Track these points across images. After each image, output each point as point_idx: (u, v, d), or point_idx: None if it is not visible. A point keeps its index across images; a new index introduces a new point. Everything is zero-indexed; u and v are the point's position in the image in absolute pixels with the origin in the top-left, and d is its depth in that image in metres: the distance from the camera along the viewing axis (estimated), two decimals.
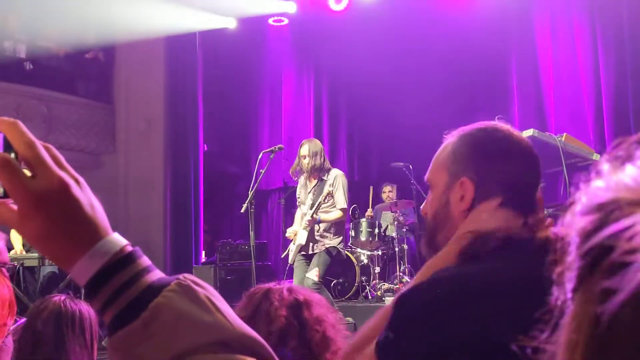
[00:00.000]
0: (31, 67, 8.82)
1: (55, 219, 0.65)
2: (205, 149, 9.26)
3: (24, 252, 5.92)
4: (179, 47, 8.81)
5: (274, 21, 9.04)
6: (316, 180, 5.51)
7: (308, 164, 5.42)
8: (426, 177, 1.40)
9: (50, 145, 0.68)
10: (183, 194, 8.69)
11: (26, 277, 5.82)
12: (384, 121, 8.57)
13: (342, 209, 5.43)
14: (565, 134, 4.25)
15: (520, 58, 7.53)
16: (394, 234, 7.08)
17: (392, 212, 7.24)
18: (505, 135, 1.30)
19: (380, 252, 6.97)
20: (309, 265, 5.41)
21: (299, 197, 5.73)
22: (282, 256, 5.93)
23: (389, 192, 7.83)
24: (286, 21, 9.02)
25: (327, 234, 5.48)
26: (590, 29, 6.69)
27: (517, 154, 1.30)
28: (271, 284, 1.71)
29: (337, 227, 5.55)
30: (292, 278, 5.53)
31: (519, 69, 7.55)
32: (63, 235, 0.65)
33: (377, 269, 6.90)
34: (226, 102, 9.56)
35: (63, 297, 2.05)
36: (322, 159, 5.46)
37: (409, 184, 6.86)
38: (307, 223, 5.34)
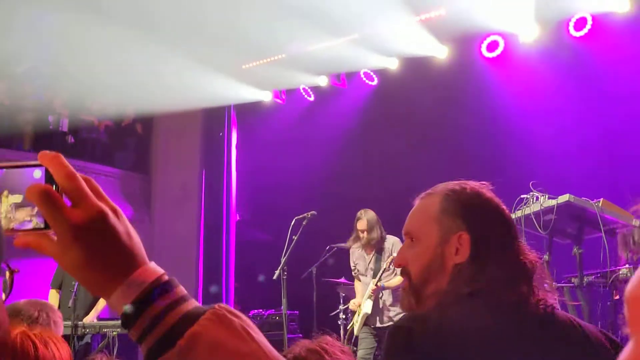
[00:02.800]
0: (72, 140, 9.17)
1: (94, 248, 0.66)
2: (238, 218, 9.33)
3: None
4: (214, 118, 9.07)
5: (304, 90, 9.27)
6: (374, 251, 5.52)
7: (366, 238, 5.46)
8: (407, 229, 1.48)
9: (90, 178, 0.70)
10: (215, 263, 8.71)
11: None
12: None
13: None
14: (602, 199, 4.17)
15: None
16: None
17: None
18: (491, 198, 1.44)
19: None
20: (374, 337, 5.43)
21: (355, 268, 5.73)
22: (349, 328, 5.90)
23: None
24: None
25: (392, 308, 5.49)
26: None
27: (504, 216, 1.44)
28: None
29: (397, 294, 5.53)
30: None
31: None
32: (101, 265, 0.67)
33: None
34: (259, 171, 9.69)
35: (104, 358, 2.02)
36: (380, 231, 5.48)
37: None
38: (372, 292, 5.36)
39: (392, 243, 5.51)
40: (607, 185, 5.78)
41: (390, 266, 5.37)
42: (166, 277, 0.69)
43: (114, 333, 5.30)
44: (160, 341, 0.65)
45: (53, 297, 5.92)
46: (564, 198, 4.15)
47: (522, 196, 4.47)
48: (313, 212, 5.70)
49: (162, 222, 9.21)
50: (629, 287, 1.02)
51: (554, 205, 4.16)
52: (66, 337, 5.83)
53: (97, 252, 0.66)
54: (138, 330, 0.66)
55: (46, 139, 8.65)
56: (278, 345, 6.29)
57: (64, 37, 7.47)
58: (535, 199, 4.35)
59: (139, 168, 9.50)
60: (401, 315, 5.33)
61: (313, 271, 7.59)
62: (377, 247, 5.54)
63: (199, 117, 9.13)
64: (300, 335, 7.75)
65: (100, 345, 5.46)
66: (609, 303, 4.22)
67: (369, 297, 5.42)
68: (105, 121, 9.31)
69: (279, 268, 5.33)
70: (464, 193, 1.43)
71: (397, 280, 5.42)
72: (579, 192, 4.17)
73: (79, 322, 5.54)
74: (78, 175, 0.68)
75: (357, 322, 5.56)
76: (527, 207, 4.36)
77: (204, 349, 0.64)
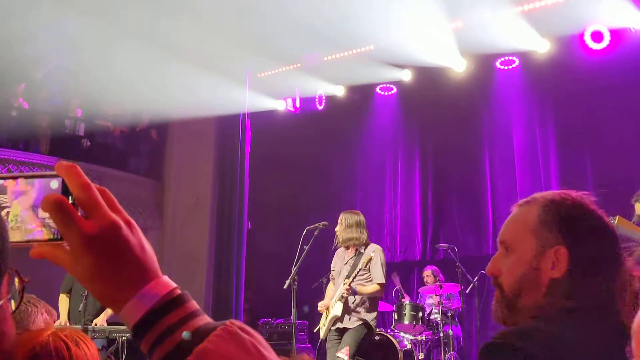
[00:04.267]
0: (88, 144, 9.25)
1: (106, 259, 0.66)
2: (249, 226, 9.34)
3: (68, 323, 5.94)
4: (228, 126, 9.11)
5: (318, 101, 9.29)
6: (354, 253, 5.42)
7: (340, 235, 5.39)
8: (502, 238, 1.40)
9: (105, 189, 0.70)
10: (226, 271, 8.71)
11: None
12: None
13: (380, 284, 5.26)
14: (618, 216, 4.10)
15: None
16: (438, 319, 6.82)
17: (436, 295, 7.02)
18: (593, 210, 1.35)
19: (424, 337, 6.72)
20: (340, 341, 5.21)
21: (333, 270, 5.60)
22: (315, 330, 5.76)
23: (426, 277, 7.64)
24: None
25: (360, 309, 5.29)
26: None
27: (607, 229, 1.35)
28: None
29: (372, 302, 5.35)
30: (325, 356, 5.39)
31: None
32: (113, 276, 0.66)
33: (421, 355, 6.63)
34: (272, 180, 9.71)
35: None
36: (360, 232, 5.40)
37: (454, 266, 6.70)
38: (345, 292, 5.18)
39: (374, 250, 5.36)
40: (622, 203, 5.72)
41: (364, 271, 5.22)
42: (178, 292, 0.69)
43: (124, 338, 5.30)
44: (169, 356, 0.65)
45: (63, 302, 5.94)
46: None
47: None
48: (325, 222, 5.67)
49: (173, 229, 9.24)
50: (636, 320, 1.01)
51: None
52: None
53: (109, 264, 0.66)
54: (147, 344, 0.66)
55: (62, 142, 8.73)
56: (286, 355, 6.25)
57: (81, 43, 7.56)
58: None
59: (153, 174, 9.56)
60: (373, 320, 5.07)
61: (324, 281, 7.56)
62: (357, 251, 5.42)
63: (213, 125, 9.18)
64: (309, 345, 7.72)
65: (109, 350, 5.47)
66: None
67: (340, 299, 5.23)
68: (120, 126, 9.39)
69: (290, 278, 5.30)
70: (564, 204, 1.36)
71: (371, 288, 5.25)
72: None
73: (89, 326, 5.56)
74: (93, 186, 0.68)
75: (323, 326, 5.39)
76: None
77: None
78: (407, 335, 6.73)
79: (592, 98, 7.10)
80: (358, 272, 5.20)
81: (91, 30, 7.26)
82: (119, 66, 7.74)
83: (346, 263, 5.41)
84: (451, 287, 7.09)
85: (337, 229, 5.48)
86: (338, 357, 5.12)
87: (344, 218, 5.46)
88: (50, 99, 8.99)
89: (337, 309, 5.25)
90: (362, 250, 5.37)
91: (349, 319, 5.26)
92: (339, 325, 5.28)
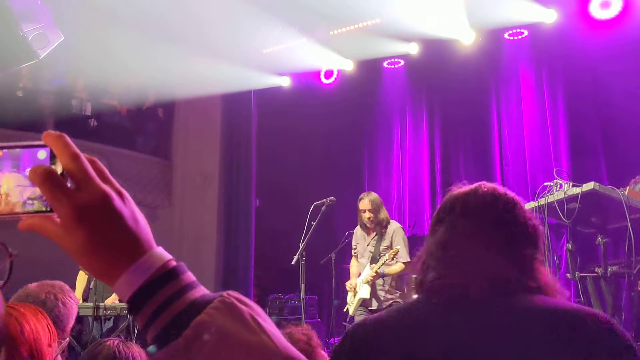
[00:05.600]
0: (95, 123, 9.25)
1: (97, 232, 0.63)
2: (257, 203, 9.36)
3: (80, 301, 6.00)
4: (234, 104, 9.08)
5: (325, 76, 9.22)
6: (375, 233, 5.48)
7: (370, 218, 5.40)
8: None
9: (95, 159, 0.68)
10: (234, 248, 8.76)
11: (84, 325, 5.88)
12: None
13: (405, 263, 5.38)
14: (628, 187, 4.07)
15: None
16: None
17: None
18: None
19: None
20: None
21: (355, 248, 5.71)
22: (345, 310, 5.90)
23: None
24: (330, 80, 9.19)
25: (389, 288, 5.46)
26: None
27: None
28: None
29: (398, 281, 5.51)
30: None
31: None
32: (105, 249, 0.64)
33: None
34: (279, 157, 9.70)
35: (116, 342, 2.05)
36: (385, 212, 5.47)
37: None
38: (372, 278, 5.30)
39: (394, 229, 5.46)
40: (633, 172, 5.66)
41: (387, 255, 5.34)
42: (173, 263, 0.67)
43: None
44: (165, 330, 0.63)
45: (80, 278, 6.00)
46: (588, 186, 4.07)
47: (545, 184, 4.40)
48: (332, 198, 5.69)
49: (182, 207, 9.27)
50: None
51: (578, 193, 4.09)
52: (84, 318, 5.89)
53: (101, 236, 0.64)
54: (143, 318, 0.64)
55: (69, 122, 8.73)
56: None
57: (86, 22, 7.51)
58: (558, 186, 4.27)
59: (160, 153, 9.56)
60: (399, 297, 5.34)
61: (332, 257, 7.58)
62: (378, 231, 5.47)
63: (220, 103, 9.14)
64: (319, 320, 7.78)
65: (120, 327, 5.53)
66: (632, 293, 4.15)
67: (367, 282, 5.36)
68: (127, 105, 9.37)
69: (298, 254, 5.33)
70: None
71: (397, 267, 5.38)
72: (602, 181, 4.09)
73: (100, 304, 5.61)
74: (82, 156, 0.66)
75: (352, 304, 5.53)
76: (550, 195, 4.28)
77: (210, 340, 0.61)
78: None
79: (602, 68, 6.99)
80: (380, 256, 5.30)
81: (95, 7, 7.20)
82: (124, 45, 7.69)
83: (368, 244, 5.50)
84: None
85: (362, 210, 5.48)
86: None
87: (368, 199, 5.49)
88: (55, 78, 8.97)
89: (364, 292, 5.40)
90: (382, 231, 5.45)
91: (378, 299, 5.42)
92: (368, 307, 5.44)
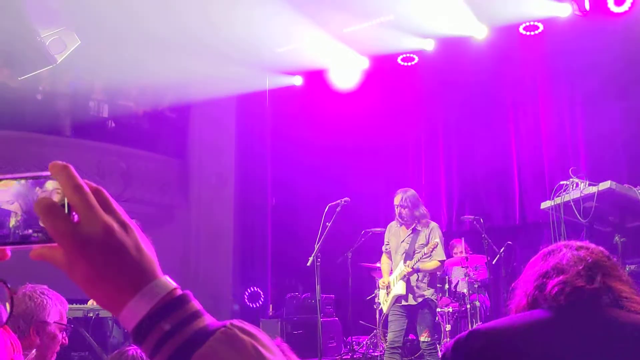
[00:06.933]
0: (113, 125, 9.34)
1: (99, 263, 0.64)
2: (274, 202, 9.39)
3: (94, 303, 6.05)
4: (249, 103, 9.10)
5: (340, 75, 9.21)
6: (410, 231, 5.48)
7: (401, 214, 5.45)
8: None
9: (101, 189, 0.68)
10: (251, 248, 8.81)
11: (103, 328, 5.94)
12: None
13: (441, 261, 5.43)
14: (609, 181, 4.02)
15: None
16: (465, 290, 6.81)
17: (462, 267, 6.99)
18: None
19: (450, 309, 6.71)
20: (406, 317, 5.44)
21: (387, 244, 5.71)
22: (378, 308, 5.95)
23: (458, 253, 7.62)
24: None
25: (422, 284, 5.48)
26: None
27: None
28: None
29: (432, 278, 5.57)
30: (386, 328, 5.64)
31: None
32: (108, 280, 0.65)
33: (448, 327, 6.63)
34: (294, 156, 9.72)
35: (139, 351, 2.02)
36: (420, 211, 5.48)
37: (480, 237, 6.65)
38: (406, 274, 5.35)
39: (431, 228, 5.47)
40: None
41: (425, 249, 5.35)
42: (179, 292, 0.67)
43: None
44: None
45: None
46: (605, 185, 4.03)
47: (561, 183, 4.36)
48: (347, 198, 5.69)
49: (198, 208, 9.33)
50: None
51: (595, 192, 4.05)
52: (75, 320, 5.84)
53: (103, 268, 0.65)
54: (148, 348, 0.65)
55: (87, 124, 8.82)
56: (313, 327, 6.36)
57: (101, 25, 7.58)
58: (575, 185, 4.23)
59: (176, 153, 9.63)
60: (432, 294, 5.41)
61: (349, 256, 7.59)
62: (414, 228, 5.48)
63: (235, 103, 9.18)
64: (336, 318, 7.79)
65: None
66: None
67: (402, 279, 5.39)
68: (143, 107, 9.44)
69: (312, 255, 5.35)
70: None
71: (432, 264, 5.41)
72: (620, 179, 4.05)
73: None
74: (85, 187, 0.66)
75: (386, 302, 5.56)
76: (566, 194, 4.25)
77: None
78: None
79: (619, 62, 6.90)
80: (421, 255, 5.32)
81: (112, 9, 7.25)
82: (141, 45, 7.74)
83: (403, 241, 5.50)
84: (477, 259, 7.05)
85: (396, 203, 5.52)
86: (423, 341, 5.46)
87: (401, 195, 5.51)
88: (73, 80, 9.06)
89: (399, 288, 5.43)
90: (419, 228, 5.44)
91: (412, 296, 5.46)
92: (403, 302, 5.47)
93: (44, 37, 5.62)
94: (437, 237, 5.41)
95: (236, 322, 0.67)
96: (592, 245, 1.53)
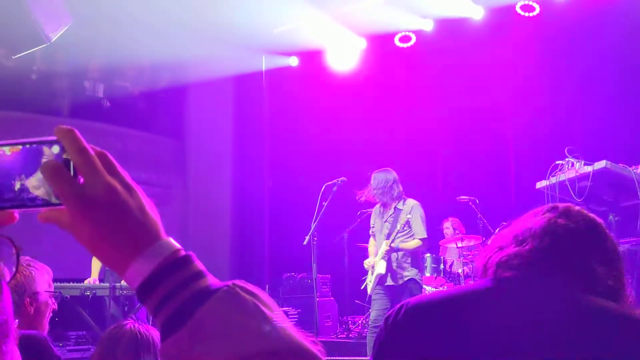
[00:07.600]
0: (108, 105, 9.29)
1: (104, 224, 0.66)
2: (270, 183, 9.40)
3: (97, 282, 6.11)
4: (246, 84, 9.08)
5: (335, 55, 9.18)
6: (392, 210, 5.49)
7: (376, 194, 5.43)
8: None
9: (105, 152, 0.70)
10: (248, 228, 8.83)
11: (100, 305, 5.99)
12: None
13: (422, 239, 5.41)
14: (604, 160, 4.04)
15: None
16: (460, 270, 6.88)
17: (457, 247, 7.06)
18: None
19: (445, 289, 6.78)
20: (387, 297, 5.41)
21: (373, 226, 5.73)
22: (362, 287, 5.96)
23: (446, 229, 7.67)
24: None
25: (405, 264, 5.46)
26: None
27: None
28: None
29: (414, 257, 5.52)
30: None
31: None
32: (113, 240, 0.66)
33: None
34: (291, 136, 9.71)
35: (136, 324, 2.02)
36: (397, 189, 5.44)
37: (475, 218, 6.70)
38: (385, 252, 5.34)
39: (412, 205, 5.46)
40: None
41: (405, 227, 5.36)
42: (182, 253, 0.68)
43: None
44: (171, 319, 0.65)
45: (96, 260, 6.10)
46: (600, 164, 4.05)
47: (556, 162, 4.38)
48: (343, 178, 5.70)
49: (196, 188, 9.34)
50: None
51: (590, 171, 4.07)
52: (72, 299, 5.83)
53: (108, 228, 0.66)
54: (152, 305, 0.66)
55: (82, 104, 8.78)
56: (310, 307, 6.42)
57: (98, 3, 7.51)
58: (570, 165, 4.26)
59: (173, 134, 9.60)
60: (416, 275, 5.38)
61: (345, 236, 7.63)
62: (395, 207, 5.49)
63: (232, 83, 9.14)
64: (332, 298, 7.85)
65: (137, 307, 5.63)
66: None
67: (382, 258, 5.41)
68: (140, 87, 9.39)
69: (309, 234, 5.37)
70: None
71: (413, 242, 5.42)
72: (616, 159, 4.07)
73: (117, 284, 5.71)
74: (89, 149, 0.68)
75: (370, 282, 5.58)
76: (561, 173, 4.27)
77: (213, 329, 0.63)
78: (428, 288, 6.80)
79: (615, 42, 6.88)
80: (397, 233, 5.29)
81: None
82: (137, 24, 7.68)
83: (385, 221, 5.51)
84: (472, 239, 7.11)
85: (371, 189, 5.51)
86: None
87: (373, 176, 5.51)
88: (68, 60, 8.99)
89: (381, 267, 5.43)
90: (400, 206, 5.45)
91: (394, 276, 5.45)
92: (386, 283, 5.46)
93: (37, 15, 5.57)
94: (417, 216, 5.39)
95: (239, 282, 0.69)
96: (581, 215, 1.38)
